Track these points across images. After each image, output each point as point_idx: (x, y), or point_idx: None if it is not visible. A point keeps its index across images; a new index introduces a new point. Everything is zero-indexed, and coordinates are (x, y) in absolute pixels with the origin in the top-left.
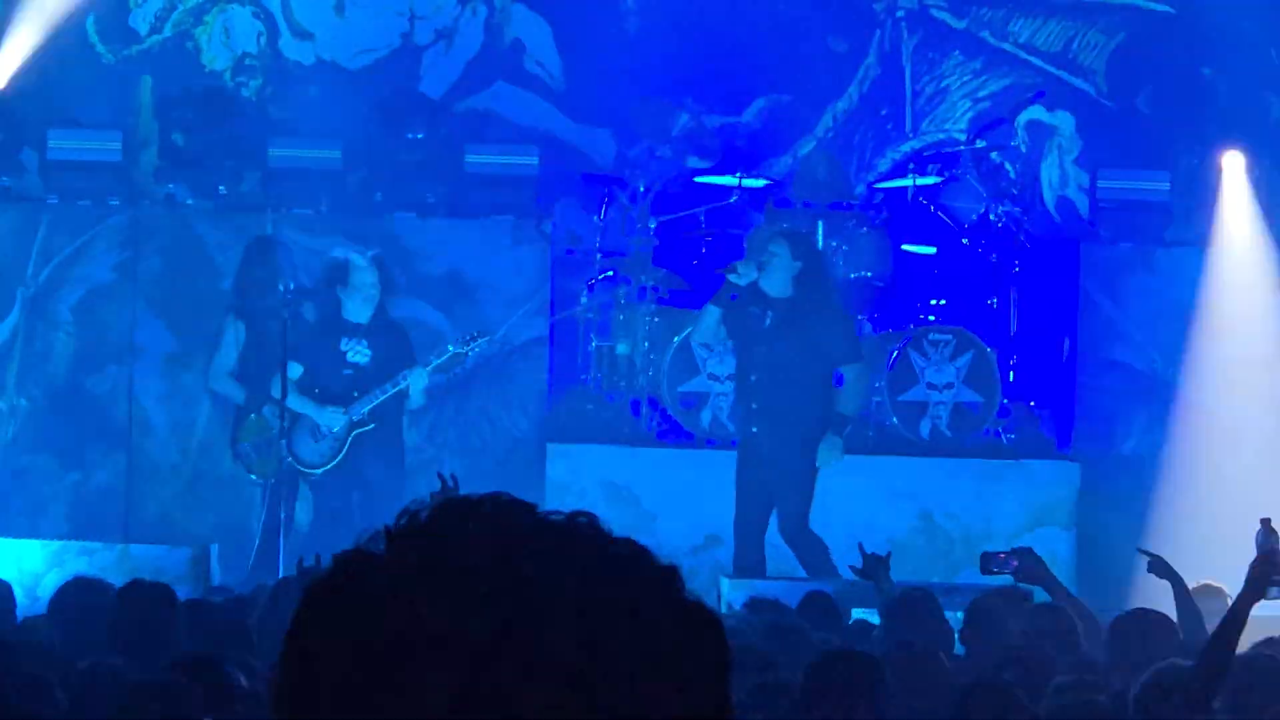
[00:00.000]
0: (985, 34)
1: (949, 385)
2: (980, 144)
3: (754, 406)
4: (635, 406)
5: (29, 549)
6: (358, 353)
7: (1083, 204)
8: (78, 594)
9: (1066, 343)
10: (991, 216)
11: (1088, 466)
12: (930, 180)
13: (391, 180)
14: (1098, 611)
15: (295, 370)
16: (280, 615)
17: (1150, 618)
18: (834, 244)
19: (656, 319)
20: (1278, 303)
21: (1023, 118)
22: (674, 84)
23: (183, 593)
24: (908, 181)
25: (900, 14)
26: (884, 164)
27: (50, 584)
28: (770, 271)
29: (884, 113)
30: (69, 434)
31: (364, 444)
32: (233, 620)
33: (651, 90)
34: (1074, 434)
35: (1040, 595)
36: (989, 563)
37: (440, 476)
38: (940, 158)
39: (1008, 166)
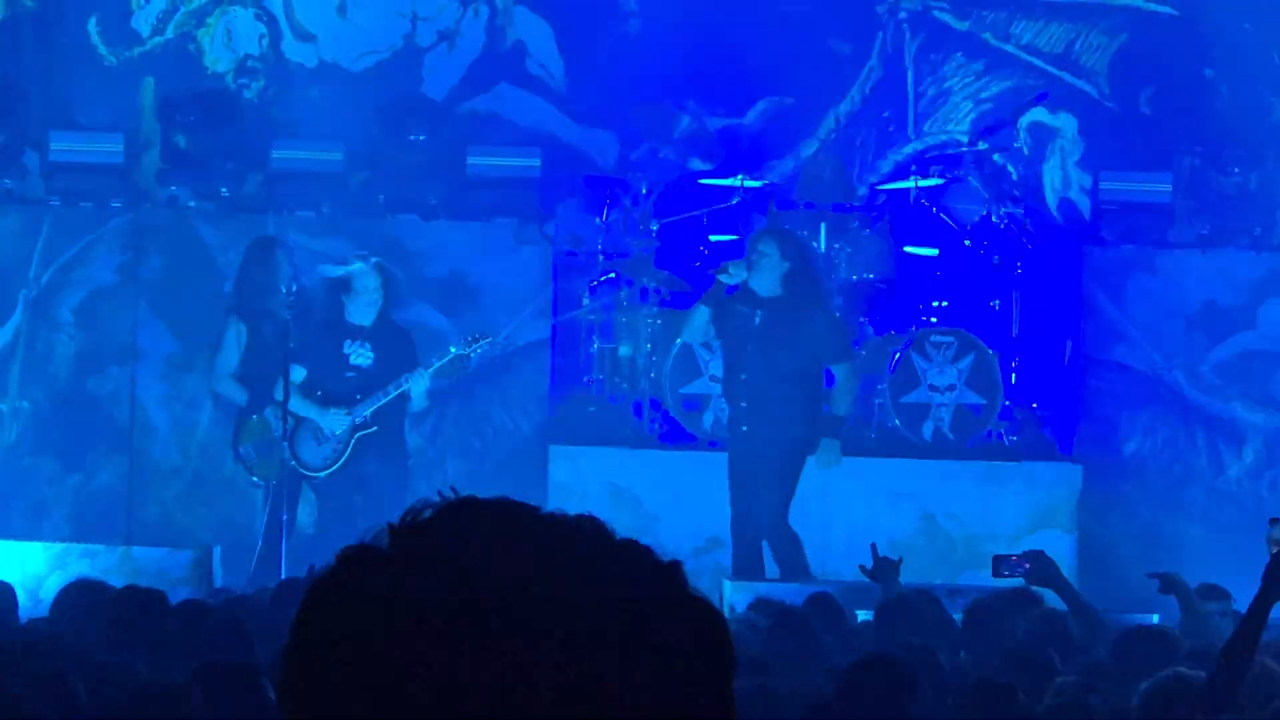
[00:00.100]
0: (987, 36)
1: (951, 387)
2: (982, 146)
3: (743, 405)
4: (637, 408)
5: (31, 551)
6: (360, 355)
7: (1085, 206)
8: (79, 596)
9: (1069, 344)
10: (994, 218)
11: (1090, 468)
12: (932, 182)
13: (394, 182)
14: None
15: (298, 373)
16: (283, 617)
17: (1154, 633)
18: (836, 245)
19: (659, 321)
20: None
21: (1025, 119)
22: (676, 86)
23: (185, 595)
24: (910, 183)
25: (902, 16)
26: (886, 166)
27: (52, 586)
28: (759, 271)
29: (886, 114)
30: (71, 436)
31: (367, 446)
32: (228, 620)
33: (653, 92)
34: (1076, 436)
35: (1051, 598)
36: (1000, 565)
37: (441, 495)
38: (942, 159)
39: (1010, 168)
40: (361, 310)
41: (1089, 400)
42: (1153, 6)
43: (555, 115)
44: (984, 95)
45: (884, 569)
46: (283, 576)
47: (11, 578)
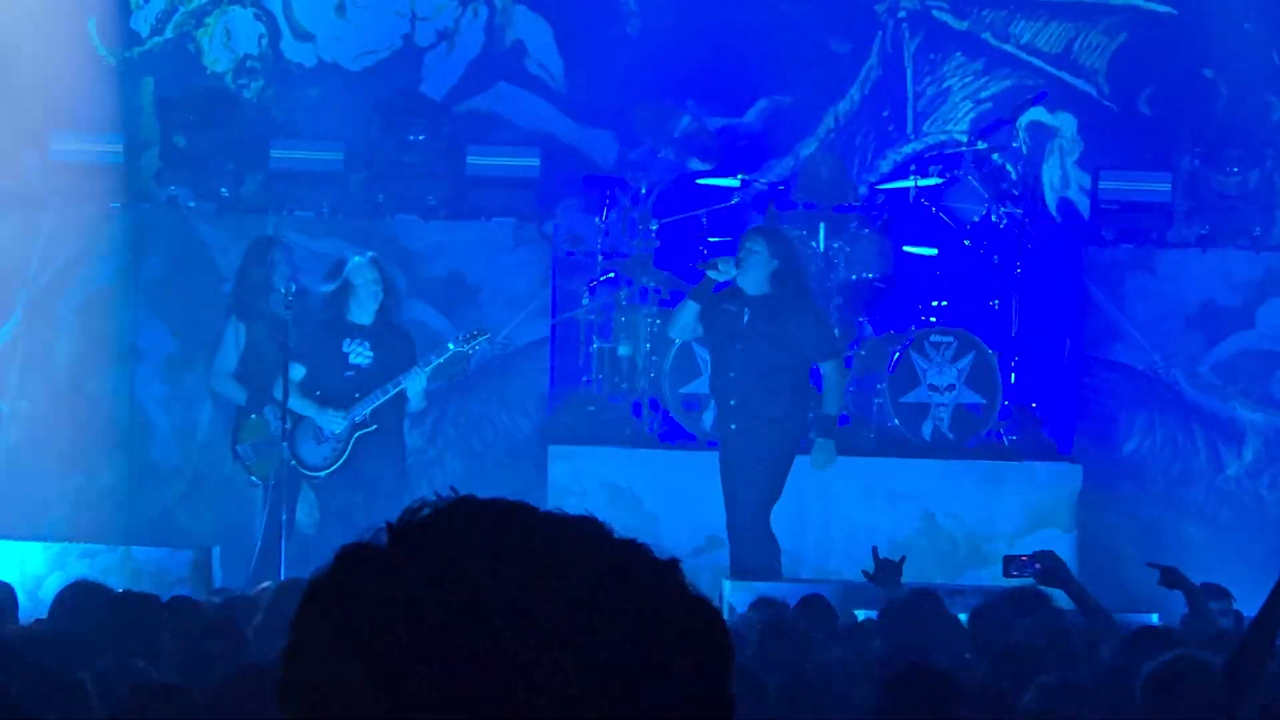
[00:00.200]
0: (987, 35)
1: (950, 387)
2: (982, 145)
3: (731, 404)
4: (637, 408)
5: (31, 551)
6: (359, 354)
7: (1084, 205)
8: (77, 597)
9: (1068, 344)
10: (993, 218)
11: (1089, 468)
12: (932, 181)
13: (393, 182)
14: None
15: (297, 372)
16: (283, 616)
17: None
18: (835, 245)
19: (658, 321)
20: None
21: (1024, 119)
22: (675, 85)
23: (184, 595)
24: (909, 183)
25: (902, 15)
26: (885, 165)
27: (52, 586)
28: (747, 269)
29: (885, 114)
30: (71, 436)
31: (366, 446)
32: (223, 620)
33: (653, 92)
34: (1075, 435)
35: (1060, 598)
36: (1011, 566)
37: (438, 495)
38: (942, 159)
39: (1009, 168)
40: (362, 305)
41: (1088, 400)
42: (1152, 6)
43: (554, 115)
44: (983, 95)
45: (886, 571)
46: (282, 576)
47: (11, 578)
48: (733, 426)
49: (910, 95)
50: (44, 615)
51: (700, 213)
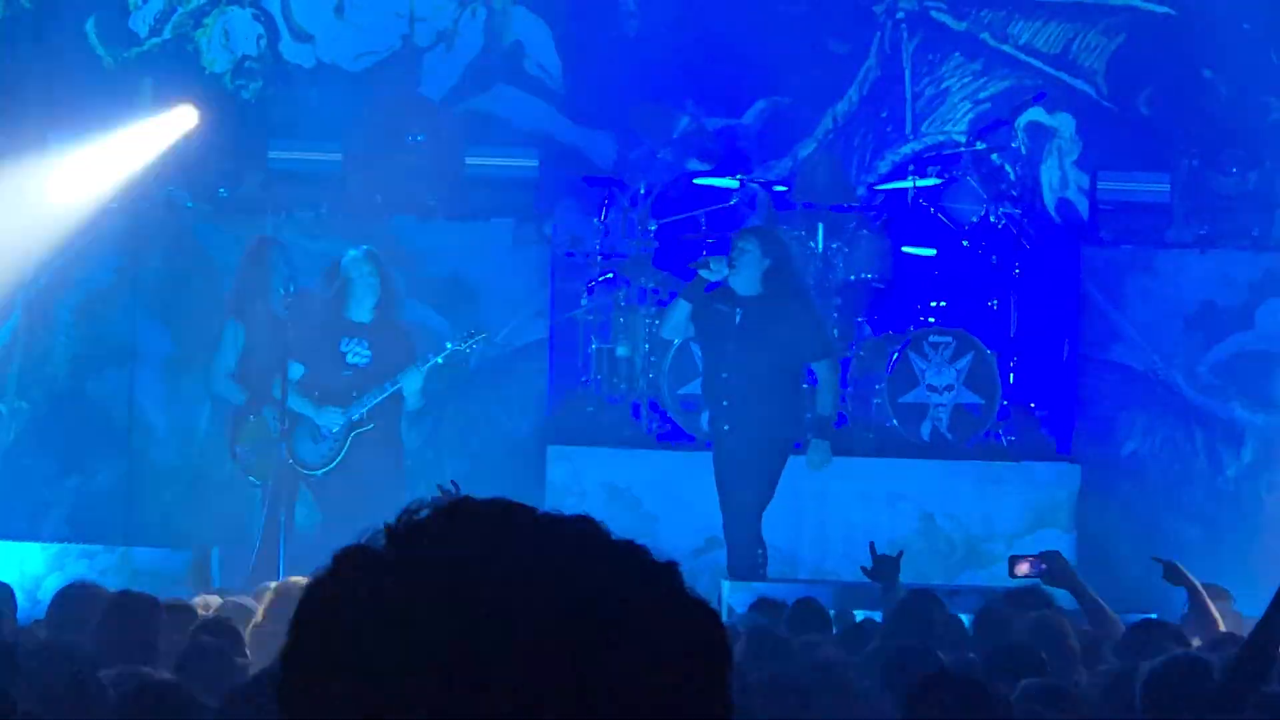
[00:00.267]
0: (985, 36)
1: (949, 387)
2: (980, 146)
3: (724, 404)
4: (636, 409)
5: (30, 552)
6: (357, 354)
7: (1083, 206)
8: (75, 598)
9: (1067, 344)
10: (992, 218)
11: (1088, 468)
12: (930, 182)
13: (392, 182)
14: None
15: (296, 371)
16: (283, 616)
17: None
18: (834, 245)
19: (657, 321)
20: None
21: (1023, 119)
22: (674, 86)
23: (183, 596)
24: (908, 183)
25: (900, 16)
26: (884, 166)
27: (51, 587)
28: (740, 268)
29: (884, 115)
30: (69, 437)
31: (363, 444)
32: (218, 620)
33: (652, 92)
34: (1074, 436)
35: (1064, 598)
36: (1016, 565)
37: (441, 489)
38: (940, 159)
39: (1008, 168)
40: (360, 300)
41: (1087, 400)
42: (1151, 6)
43: (553, 115)
44: (982, 95)
45: (884, 567)
46: (281, 576)
47: (10, 578)
48: (726, 427)
49: (909, 96)
50: (43, 616)
51: (699, 213)
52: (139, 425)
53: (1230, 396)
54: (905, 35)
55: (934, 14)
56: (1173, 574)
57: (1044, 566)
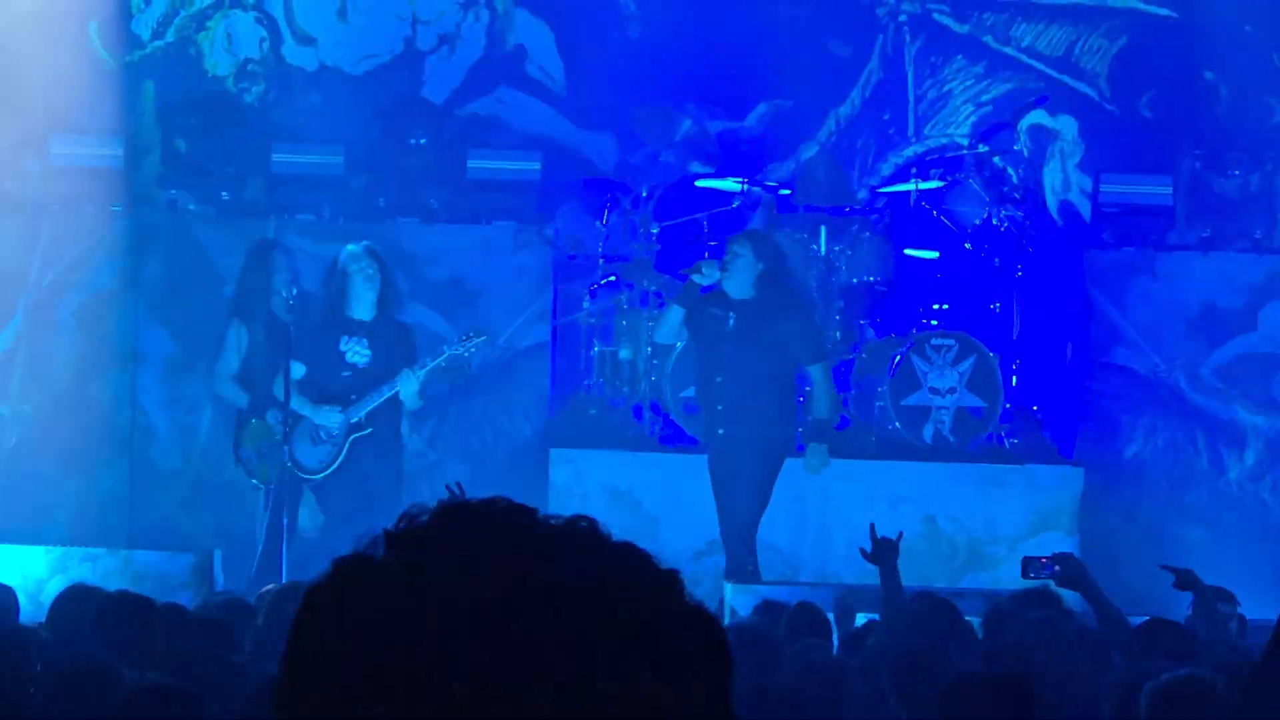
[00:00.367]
0: (988, 38)
1: (951, 390)
2: (983, 148)
3: (719, 409)
4: (638, 411)
5: (32, 555)
6: (357, 354)
7: (1085, 208)
8: (74, 601)
9: (1069, 347)
10: (994, 221)
11: (1091, 471)
12: (933, 185)
13: (394, 186)
14: None
15: (297, 370)
16: (284, 620)
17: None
18: (837, 248)
19: (653, 325)
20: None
21: (1025, 122)
22: (676, 89)
23: (186, 599)
24: (910, 186)
25: (903, 18)
26: (886, 168)
27: (53, 590)
28: (733, 272)
29: (886, 117)
30: (72, 440)
31: (362, 448)
32: (215, 622)
33: (654, 95)
34: (1077, 438)
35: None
36: (1029, 567)
37: (449, 488)
38: (943, 162)
39: (1010, 171)
40: (359, 296)
41: (1090, 403)
42: (1153, 9)
43: (555, 118)
44: (984, 98)
45: (883, 550)
46: (284, 579)
47: (13, 581)
48: (720, 432)
49: (911, 98)
50: (43, 619)
51: (701, 216)
52: (141, 428)
53: (1233, 399)
54: (908, 38)
55: (936, 16)
56: (1184, 580)
57: (1057, 568)
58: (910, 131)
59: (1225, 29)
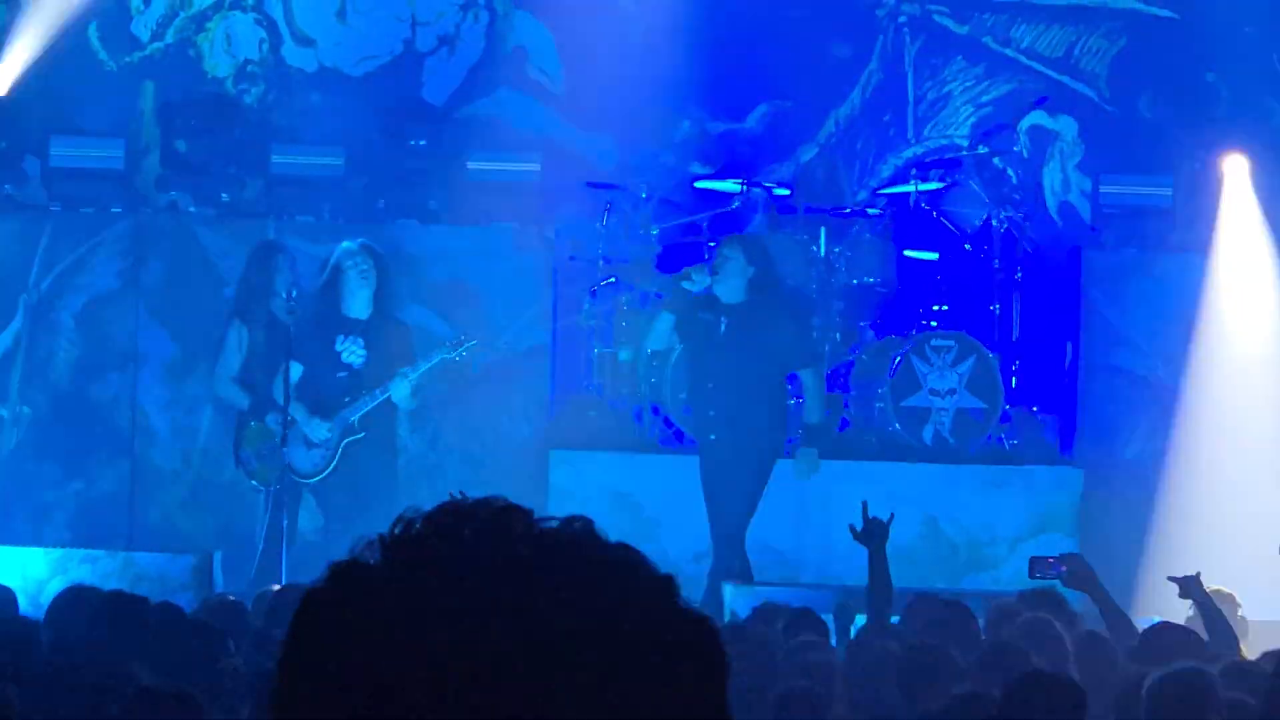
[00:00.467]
0: (988, 40)
1: (951, 391)
2: (983, 149)
3: (710, 414)
4: (638, 413)
5: (32, 556)
6: (352, 353)
7: (1085, 209)
8: (72, 602)
9: (1069, 348)
10: (994, 222)
11: (1091, 472)
12: (933, 186)
13: (394, 187)
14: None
15: (296, 371)
16: (283, 622)
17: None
18: (836, 250)
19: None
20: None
21: (1025, 123)
22: (676, 90)
23: (186, 600)
24: (910, 187)
25: (902, 20)
26: (886, 169)
27: (53, 591)
28: (724, 276)
29: (886, 118)
30: (72, 441)
31: (356, 452)
32: (205, 624)
33: (653, 97)
34: (1077, 439)
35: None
36: (1036, 567)
37: (451, 495)
38: (943, 163)
39: (1010, 172)
40: (354, 294)
41: (1089, 404)
42: (1153, 10)
43: (555, 120)
44: (984, 99)
45: (873, 529)
46: (284, 581)
47: (13, 582)
48: (712, 436)
49: (911, 99)
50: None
51: (701, 217)
52: (141, 429)
53: None
54: (908, 39)
55: (936, 18)
56: (1188, 588)
57: (1064, 569)
58: (910, 133)
59: (1225, 29)
